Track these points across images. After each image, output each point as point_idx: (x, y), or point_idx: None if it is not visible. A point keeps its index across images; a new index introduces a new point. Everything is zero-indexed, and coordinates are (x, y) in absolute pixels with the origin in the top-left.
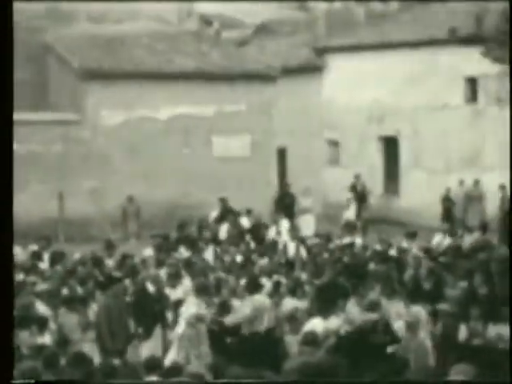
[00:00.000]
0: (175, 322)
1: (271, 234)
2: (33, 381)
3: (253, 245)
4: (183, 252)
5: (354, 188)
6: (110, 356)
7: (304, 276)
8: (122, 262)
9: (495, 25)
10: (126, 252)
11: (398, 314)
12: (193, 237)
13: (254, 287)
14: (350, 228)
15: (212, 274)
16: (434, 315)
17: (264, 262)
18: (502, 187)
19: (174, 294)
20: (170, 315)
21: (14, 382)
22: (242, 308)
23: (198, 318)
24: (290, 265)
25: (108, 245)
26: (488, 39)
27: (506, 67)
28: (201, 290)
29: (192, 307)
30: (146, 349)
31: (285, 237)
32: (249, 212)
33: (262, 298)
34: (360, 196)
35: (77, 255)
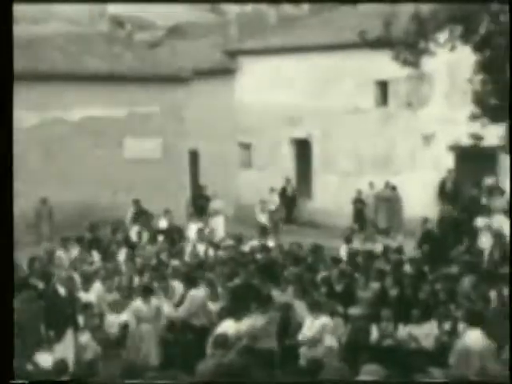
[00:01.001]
0: (86, 325)
1: (184, 235)
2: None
3: (167, 246)
4: (95, 254)
5: (283, 191)
6: (21, 360)
7: (216, 278)
8: (33, 265)
9: (404, 27)
10: (37, 255)
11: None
12: (105, 239)
13: (191, 283)
14: (263, 231)
15: (124, 276)
16: (346, 317)
17: (176, 263)
18: (393, 188)
19: (86, 296)
20: (81, 318)
21: (13, 382)
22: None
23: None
24: (201, 266)
25: None
26: (397, 42)
27: (416, 70)
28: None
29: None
30: (58, 352)
31: (196, 238)
32: (167, 212)
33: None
34: (290, 199)
35: None
